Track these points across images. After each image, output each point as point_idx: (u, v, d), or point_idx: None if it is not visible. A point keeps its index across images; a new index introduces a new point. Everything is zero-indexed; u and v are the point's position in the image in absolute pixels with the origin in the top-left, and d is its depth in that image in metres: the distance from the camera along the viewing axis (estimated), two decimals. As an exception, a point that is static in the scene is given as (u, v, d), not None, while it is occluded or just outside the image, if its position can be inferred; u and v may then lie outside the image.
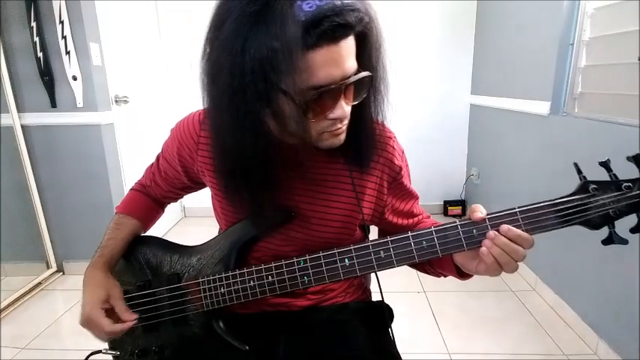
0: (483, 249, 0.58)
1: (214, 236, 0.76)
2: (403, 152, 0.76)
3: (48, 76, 2.02)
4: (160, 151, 0.85)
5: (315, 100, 0.54)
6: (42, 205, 2.23)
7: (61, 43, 1.97)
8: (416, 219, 0.79)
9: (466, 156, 3.04)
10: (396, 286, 2.06)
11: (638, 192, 0.54)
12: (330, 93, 0.54)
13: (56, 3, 1.92)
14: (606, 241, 0.56)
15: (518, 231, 0.56)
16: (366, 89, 0.59)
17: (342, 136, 0.62)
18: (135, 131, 2.47)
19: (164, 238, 0.82)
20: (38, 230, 2.24)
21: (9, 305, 2.00)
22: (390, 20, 2.80)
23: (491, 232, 0.57)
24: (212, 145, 0.68)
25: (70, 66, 2.01)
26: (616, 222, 0.56)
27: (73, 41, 1.99)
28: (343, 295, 0.83)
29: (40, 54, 1.98)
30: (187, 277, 0.74)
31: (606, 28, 1.60)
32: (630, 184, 0.54)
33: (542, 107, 1.88)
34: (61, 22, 1.95)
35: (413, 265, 0.77)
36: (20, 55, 2.01)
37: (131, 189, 0.90)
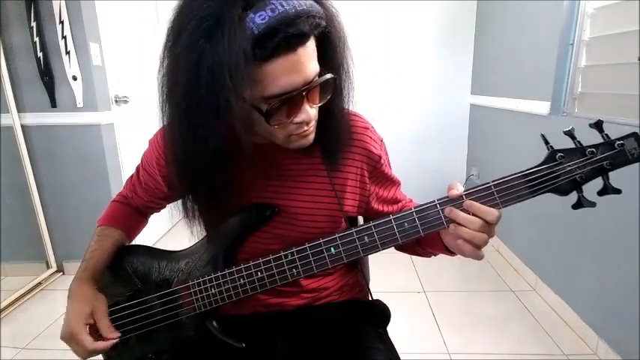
0: (451, 226, 0.59)
1: (200, 239, 0.76)
2: (382, 141, 0.77)
3: (48, 76, 2.02)
4: (140, 162, 0.85)
5: (279, 107, 0.55)
6: (42, 205, 2.23)
7: (61, 43, 1.97)
8: (400, 204, 0.80)
9: (466, 156, 3.03)
10: (396, 286, 2.06)
11: (601, 156, 0.56)
12: (292, 99, 0.55)
13: (56, 3, 1.92)
14: (576, 206, 0.59)
15: (478, 205, 0.58)
16: (331, 89, 0.60)
17: (311, 137, 0.63)
18: (135, 131, 2.47)
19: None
20: (38, 230, 2.24)
21: (9, 305, 2.00)
22: (391, 20, 2.80)
23: (447, 208, 0.60)
24: (170, 160, 0.67)
25: (70, 66, 2.01)
26: (584, 187, 0.58)
27: (73, 41, 1.99)
28: (338, 294, 0.82)
29: (40, 54, 1.98)
30: (177, 282, 0.74)
31: (606, 28, 1.60)
32: (594, 150, 0.56)
33: (542, 107, 1.89)
34: (61, 22, 1.94)
35: (403, 249, 0.78)
36: (20, 55, 2.01)
37: (112, 201, 0.88)
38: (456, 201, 0.60)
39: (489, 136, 2.65)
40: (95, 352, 0.70)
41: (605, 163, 0.56)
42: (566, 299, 1.77)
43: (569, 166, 0.57)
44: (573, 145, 0.58)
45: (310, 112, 0.58)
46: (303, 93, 0.56)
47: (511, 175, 0.59)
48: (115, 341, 0.70)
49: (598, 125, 0.56)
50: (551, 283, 1.90)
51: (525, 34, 2.12)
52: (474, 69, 2.86)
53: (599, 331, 1.54)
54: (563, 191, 0.58)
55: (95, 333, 0.71)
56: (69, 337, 0.69)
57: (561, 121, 1.78)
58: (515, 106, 2.19)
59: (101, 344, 0.69)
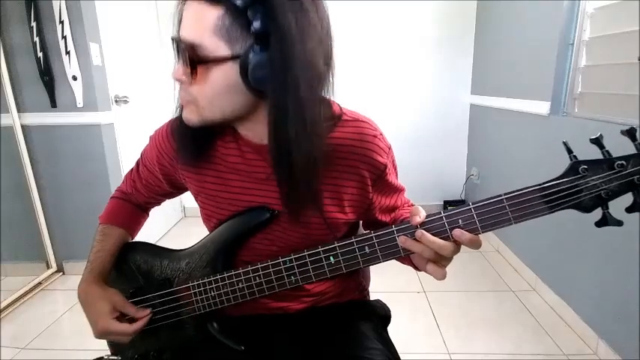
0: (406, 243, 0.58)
1: (201, 239, 0.76)
2: (390, 148, 0.72)
3: (48, 76, 2.02)
4: (140, 157, 0.84)
5: (176, 51, 0.57)
6: (42, 205, 2.23)
7: (61, 43, 1.97)
8: (395, 212, 0.78)
9: (466, 156, 3.03)
10: (396, 286, 2.06)
11: (631, 170, 0.49)
12: (176, 49, 0.56)
13: (56, 3, 1.92)
14: (600, 223, 0.53)
15: (431, 238, 0.55)
16: (201, 69, 0.55)
17: (187, 114, 0.61)
18: (135, 131, 2.47)
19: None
20: (38, 230, 2.24)
21: (9, 305, 1.99)
22: (391, 21, 2.80)
23: (402, 237, 0.57)
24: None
25: (70, 66, 2.01)
26: (611, 202, 0.52)
27: (73, 41, 1.99)
28: (339, 297, 0.83)
29: (40, 54, 1.98)
30: (178, 282, 0.74)
31: (606, 28, 1.60)
32: (624, 162, 0.50)
33: (542, 107, 1.88)
34: (61, 22, 1.94)
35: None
36: (20, 55, 2.01)
37: (111, 197, 0.87)
38: (465, 213, 0.55)
39: (489, 136, 2.65)
40: (137, 332, 0.73)
41: (636, 178, 0.49)
42: (566, 299, 1.77)
43: (594, 180, 0.50)
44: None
45: (178, 71, 0.57)
46: (178, 47, 0.56)
47: (526, 188, 0.53)
48: (149, 316, 0.74)
49: (631, 133, 0.49)
50: (551, 283, 1.90)
51: (525, 34, 2.11)
52: (474, 69, 2.86)
53: (599, 331, 1.54)
54: (585, 208, 0.52)
55: (125, 320, 0.73)
56: (105, 334, 0.73)
57: (561, 121, 1.78)
58: (515, 106, 2.19)
59: (139, 323, 0.73)
